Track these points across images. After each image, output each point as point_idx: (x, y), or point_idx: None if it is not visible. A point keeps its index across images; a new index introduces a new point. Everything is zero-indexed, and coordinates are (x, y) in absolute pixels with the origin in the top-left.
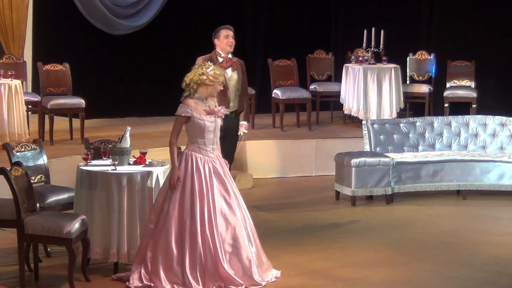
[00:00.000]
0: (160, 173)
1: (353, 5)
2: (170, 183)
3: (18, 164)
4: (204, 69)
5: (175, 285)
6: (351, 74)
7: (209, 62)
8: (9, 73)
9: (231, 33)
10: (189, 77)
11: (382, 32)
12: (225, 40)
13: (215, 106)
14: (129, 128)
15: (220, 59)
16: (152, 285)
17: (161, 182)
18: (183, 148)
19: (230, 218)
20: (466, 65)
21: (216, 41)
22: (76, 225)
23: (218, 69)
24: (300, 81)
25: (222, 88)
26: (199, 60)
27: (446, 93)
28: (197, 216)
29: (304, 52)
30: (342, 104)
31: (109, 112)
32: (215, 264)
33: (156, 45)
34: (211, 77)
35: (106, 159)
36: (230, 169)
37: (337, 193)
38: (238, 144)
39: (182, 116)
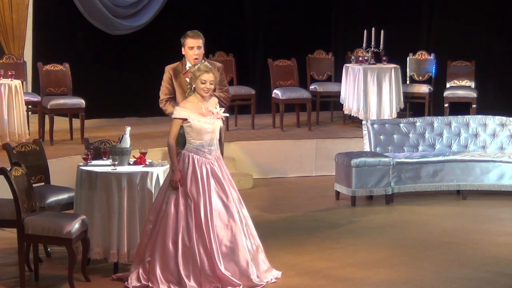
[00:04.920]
0: (160, 173)
1: (353, 5)
2: (171, 185)
3: (18, 164)
4: (193, 68)
5: (171, 285)
6: (351, 74)
7: (171, 71)
8: (9, 73)
9: (197, 43)
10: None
11: (382, 32)
12: (189, 52)
13: (215, 108)
14: (129, 128)
15: (187, 68)
16: (149, 285)
17: (161, 182)
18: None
19: (227, 219)
20: (466, 65)
21: (182, 50)
22: (76, 225)
23: (203, 66)
24: (300, 81)
25: (210, 87)
26: (167, 69)
27: (446, 93)
28: (193, 218)
29: (304, 52)
30: (342, 104)
31: (109, 112)
32: (212, 266)
33: (156, 45)
34: (190, 74)
35: (106, 159)
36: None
37: (337, 193)
38: (222, 133)
39: (178, 118)
